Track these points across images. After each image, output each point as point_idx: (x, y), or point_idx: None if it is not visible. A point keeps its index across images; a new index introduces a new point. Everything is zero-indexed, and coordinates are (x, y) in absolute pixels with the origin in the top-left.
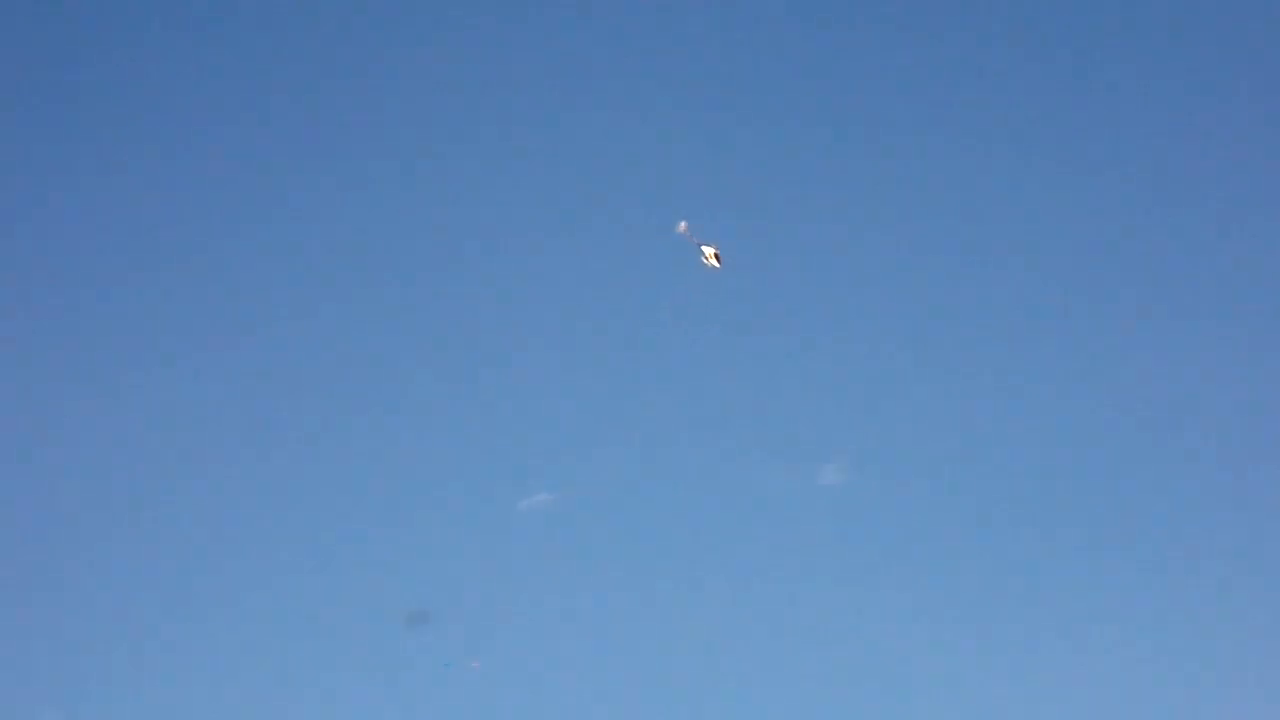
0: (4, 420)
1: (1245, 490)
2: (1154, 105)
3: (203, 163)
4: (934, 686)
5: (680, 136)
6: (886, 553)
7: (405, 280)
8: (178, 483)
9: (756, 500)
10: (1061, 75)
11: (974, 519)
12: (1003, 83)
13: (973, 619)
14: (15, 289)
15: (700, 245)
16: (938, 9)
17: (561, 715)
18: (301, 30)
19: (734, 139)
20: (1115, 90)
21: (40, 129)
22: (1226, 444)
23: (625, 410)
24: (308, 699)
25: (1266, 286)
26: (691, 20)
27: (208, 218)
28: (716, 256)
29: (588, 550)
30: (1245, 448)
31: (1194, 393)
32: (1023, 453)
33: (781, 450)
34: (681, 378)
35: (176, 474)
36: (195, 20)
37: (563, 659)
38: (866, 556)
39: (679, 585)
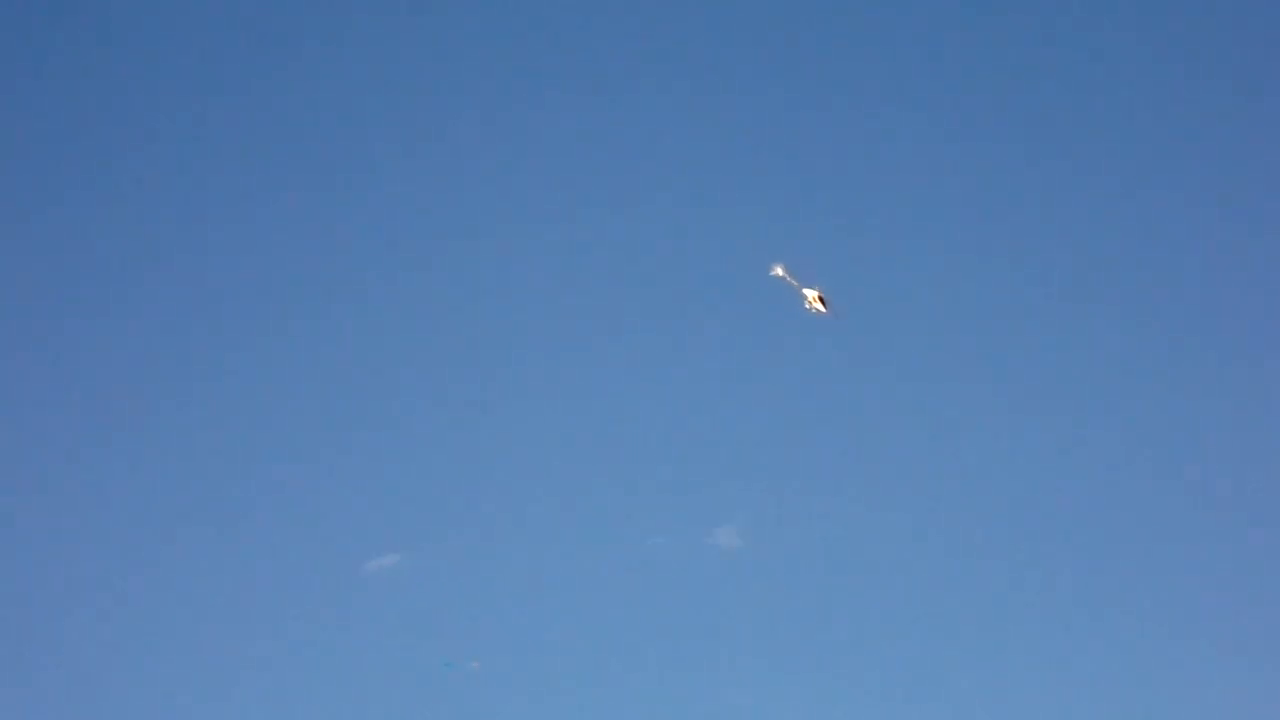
0: None
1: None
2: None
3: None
4: None
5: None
6: (784, 618)
7: (250, 334)
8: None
9: (646, 563)
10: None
11: (873, 581)
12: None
13: (871, 687)
14: None
15: (802, 289)
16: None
17: None
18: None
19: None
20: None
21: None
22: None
23: (489, 463)
24: None
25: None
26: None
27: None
28: (821, 300)
29: (441, 617)
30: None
31: (1111, 448)
32: (923, 515)
33: (673, 511)
34: (560, 429)
35: None
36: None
37: None
38: (763, 622)
39: (553, 657)
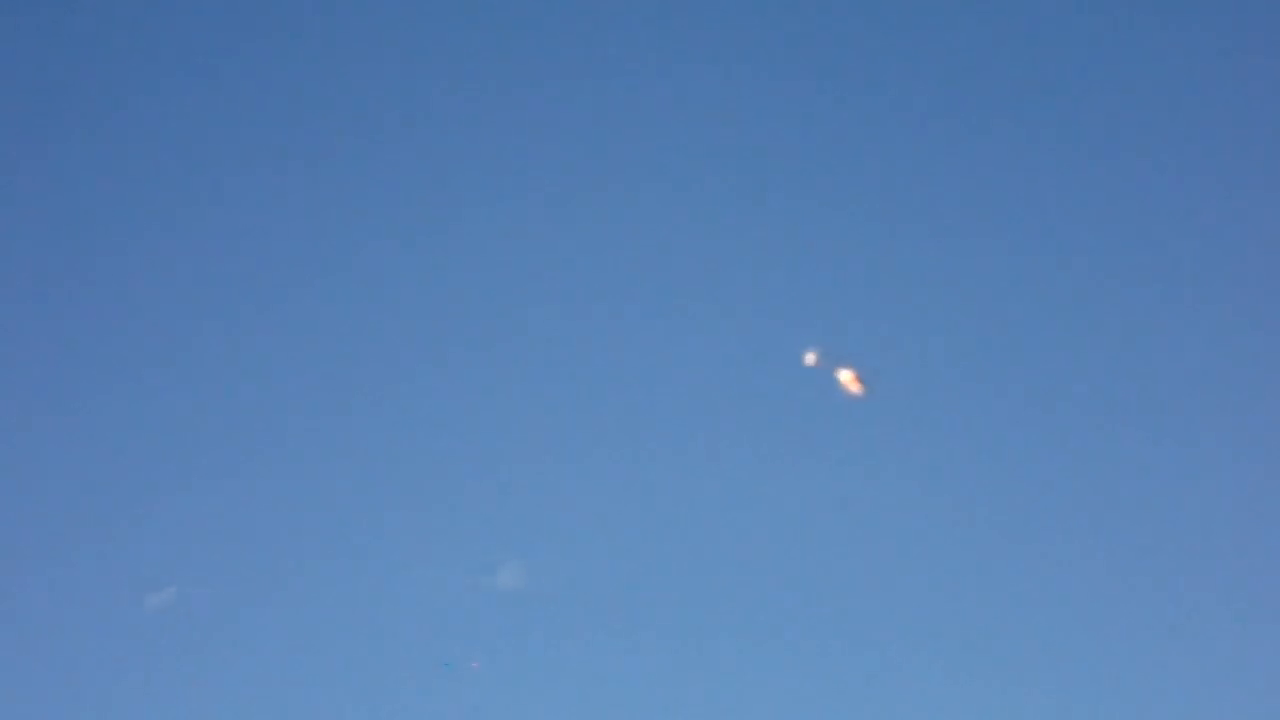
0: None
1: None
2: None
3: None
4: None
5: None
6: (571, 660)
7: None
8: None
9: (425, 604)
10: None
11: (670, 625)
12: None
13: None
14: None
15: (835, 372)
16: None
17: None
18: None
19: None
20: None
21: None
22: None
23: (257, 492)
24: None
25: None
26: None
27: None
28: (857, 380)
29: (225, 654)
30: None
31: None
32: (724, 552)
33: (455, 550)
34: (330, 457)
35: None
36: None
37: None
38: (549, 665)
39: (332, 700)
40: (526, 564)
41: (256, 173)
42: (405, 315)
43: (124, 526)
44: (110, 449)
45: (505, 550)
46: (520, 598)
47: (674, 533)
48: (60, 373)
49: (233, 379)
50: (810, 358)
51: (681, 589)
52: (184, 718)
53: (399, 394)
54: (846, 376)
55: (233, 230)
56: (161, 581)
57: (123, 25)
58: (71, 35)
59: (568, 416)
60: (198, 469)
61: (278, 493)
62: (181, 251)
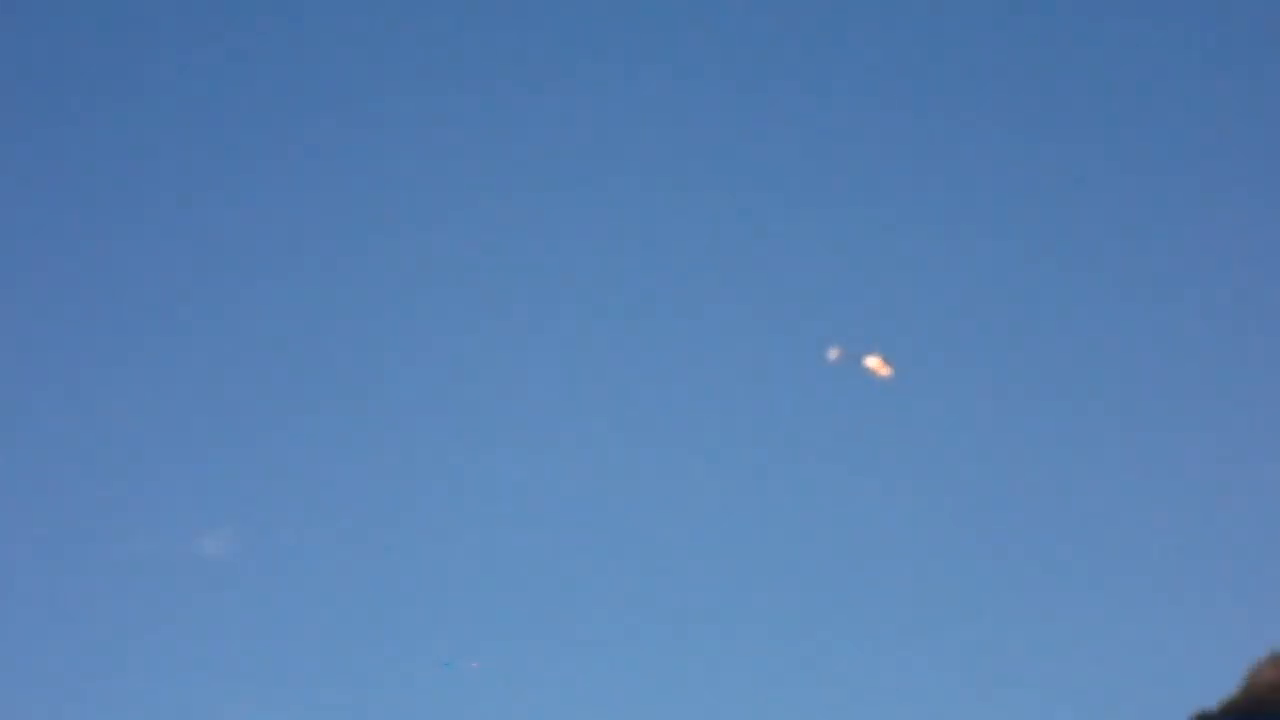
0: None
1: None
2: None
3: None
4: None
5: None
6: (276, 631)
7: None
8: None
9: (122, 570)
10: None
11: (384, 590)
12: None
13: (377, 703)
14: None
15: (863, 361)
16: None
17: None
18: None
19: None
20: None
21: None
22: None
23: None
24: None
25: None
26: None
27: None
28: (884, 363)
29: None
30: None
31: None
32: (437, 523)
33: (158, 517)
34: (34, 421)
35: None
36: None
37: None
38: (253, 635)
39: (43, 665)
40: (233, 530)
41: None
42: (115, 282)
43: None
44: None
45: (210, 516)
46: (225, 564)
47: (394, 499)
48: None
49: None
50: (834, 353)
51: (403, 554)
52: None
53: (106, 359)
54: (874, 361)
55: None
56: None
57: (119, 19)
58: (67, 28)
59: (278, 383)
60: None
61: None
62: None
